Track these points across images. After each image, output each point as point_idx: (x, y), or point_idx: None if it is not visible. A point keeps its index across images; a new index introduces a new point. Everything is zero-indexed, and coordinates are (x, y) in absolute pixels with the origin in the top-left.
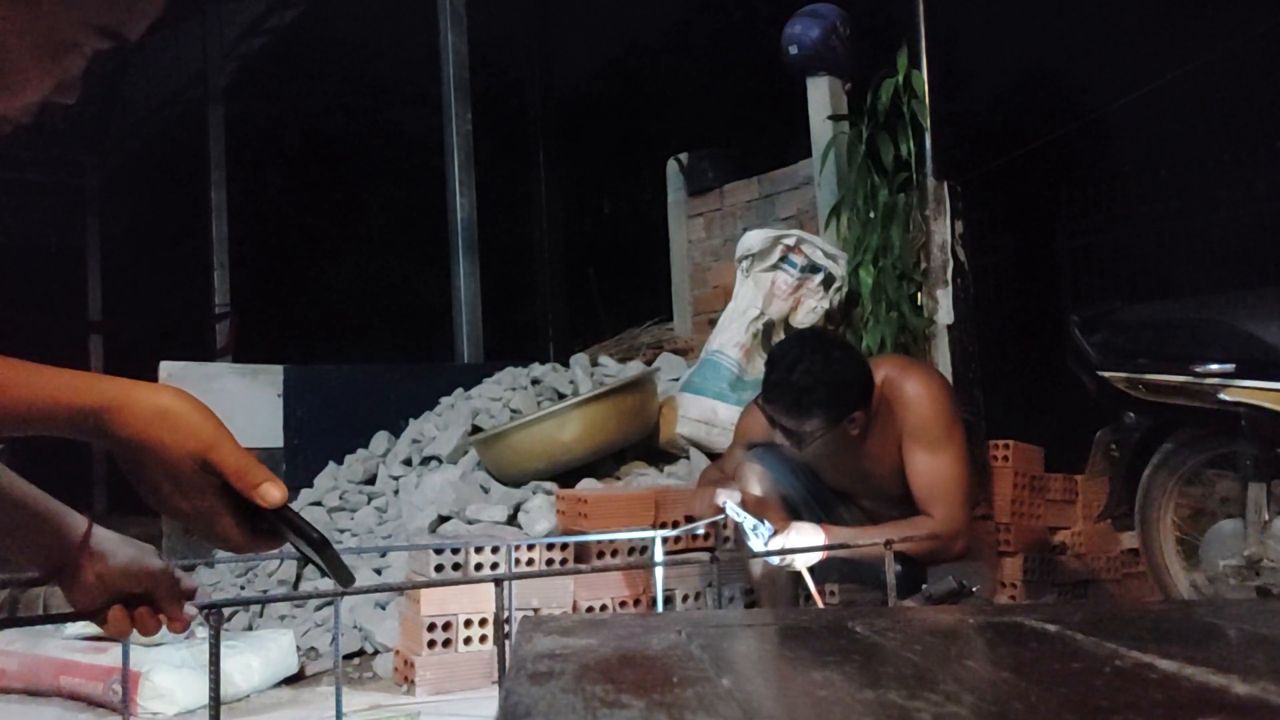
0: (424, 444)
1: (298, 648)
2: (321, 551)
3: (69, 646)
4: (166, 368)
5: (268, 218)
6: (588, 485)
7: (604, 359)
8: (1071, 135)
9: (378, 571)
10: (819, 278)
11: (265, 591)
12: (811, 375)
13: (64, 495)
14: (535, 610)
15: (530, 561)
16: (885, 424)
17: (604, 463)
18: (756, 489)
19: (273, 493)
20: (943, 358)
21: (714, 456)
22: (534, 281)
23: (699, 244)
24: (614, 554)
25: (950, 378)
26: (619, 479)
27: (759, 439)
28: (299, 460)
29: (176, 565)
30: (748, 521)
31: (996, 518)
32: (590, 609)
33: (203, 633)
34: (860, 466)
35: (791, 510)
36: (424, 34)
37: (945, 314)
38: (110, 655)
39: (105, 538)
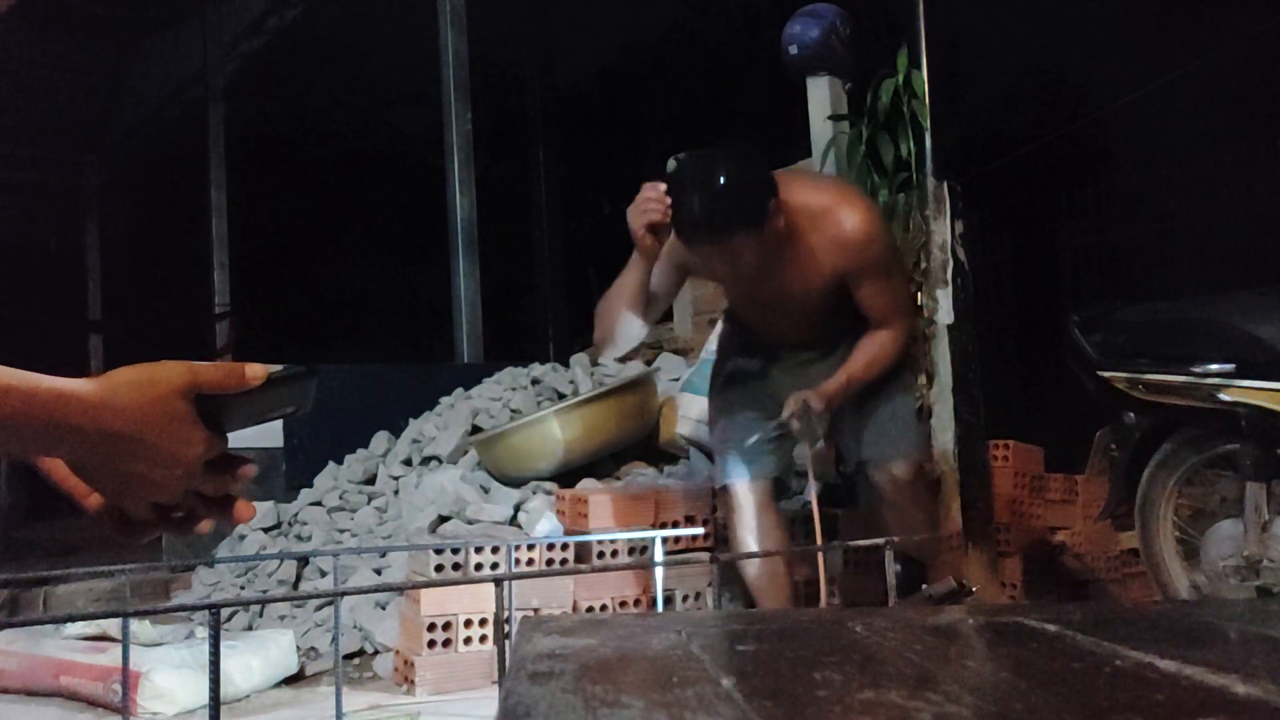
0: (424, 444)
1: (298, 648)
2: (307, 378)
3: (69, 646)
4: None
5: (268, 217)
6: (588, 485)
7: (604, 359)
8: (1071, 135)
9: (378, 571)
10: None
11: (265, 591)
12: (712, 191)
13: (62, 497)
14: (535, 610)
15: (530, 561)
16: (818, 247)
17: (604, 463)
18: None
19: (256, 369)
20: (943, 358)
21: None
22: (534, 281)
23: None
24: (614, 554)
25: (950, 378)
26: (619, 479)
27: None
28: (299, 460)
29: (179, 563)
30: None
31: (997, 518)
32: (590, 609)
33: (203, 633)
34: (785, 283)
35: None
36: (424, 34)
37: (945, 314)
38: (110, 655)
39: None
